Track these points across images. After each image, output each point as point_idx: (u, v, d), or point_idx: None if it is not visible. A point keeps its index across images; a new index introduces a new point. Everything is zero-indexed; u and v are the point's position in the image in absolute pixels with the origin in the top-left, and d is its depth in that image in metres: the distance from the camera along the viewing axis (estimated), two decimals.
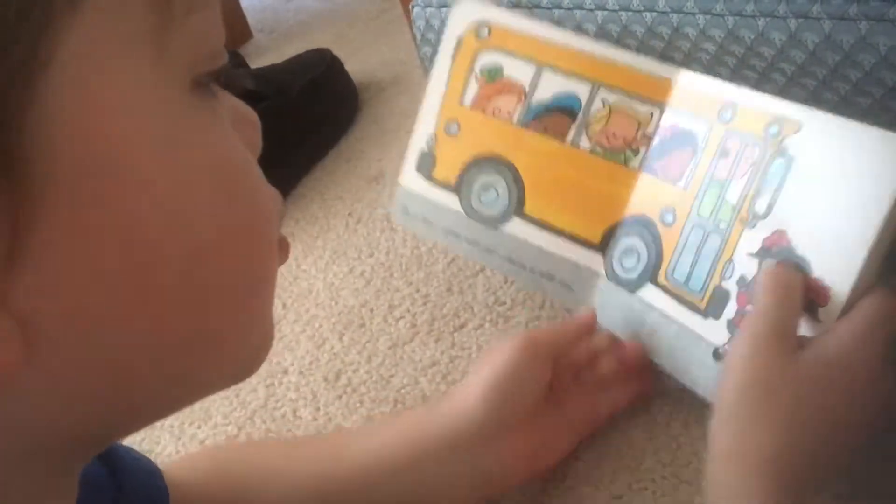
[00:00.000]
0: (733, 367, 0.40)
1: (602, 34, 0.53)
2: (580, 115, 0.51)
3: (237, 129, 0.25)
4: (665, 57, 0.52)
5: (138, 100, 0.21)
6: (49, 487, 0.25)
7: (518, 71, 0.52)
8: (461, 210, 0.56)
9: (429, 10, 0.63)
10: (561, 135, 0.52)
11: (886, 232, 0.39)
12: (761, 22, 0.46)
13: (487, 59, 0.53)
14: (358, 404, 0.58)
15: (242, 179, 0.25)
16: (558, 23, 0.55)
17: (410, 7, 0.65)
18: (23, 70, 0.18)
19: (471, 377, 0.47)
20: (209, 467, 0.44)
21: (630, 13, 0.51)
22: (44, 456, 0.24)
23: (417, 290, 0.66)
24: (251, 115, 0.27)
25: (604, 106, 0.50)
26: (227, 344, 0.26)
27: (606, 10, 0.52)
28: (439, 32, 0.62)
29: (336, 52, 1.00)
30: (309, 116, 0.89)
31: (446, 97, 0.55)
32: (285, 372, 0.62)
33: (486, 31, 0.53)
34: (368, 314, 0.65)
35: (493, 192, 0.55)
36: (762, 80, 0.49)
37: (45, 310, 0.20)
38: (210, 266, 0.24)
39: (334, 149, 0.91)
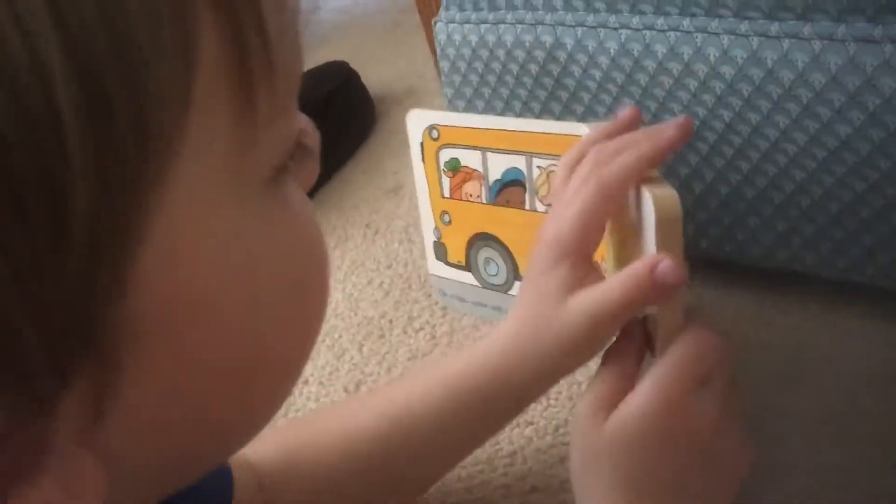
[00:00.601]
0: (571, 439, 0.40)
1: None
2: (526, 183, 0.57)
3: (299, 166, 0.25)
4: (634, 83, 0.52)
5: (222, 229, 0.20)
6: None
7: (470, 158, 0.59)
8: (477, 284, 0.63)
9: (451, 25, 0.63)
10: (520, 203, 0.58)
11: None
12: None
13: (445, 154, 0.60)
14: None
15: (313, 269, 0.25)
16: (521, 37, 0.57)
17: (433, 22, 0.66)
18: (124, 244, 0.17)
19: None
20: (280, 465, 0.44)
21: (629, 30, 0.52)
22: None
23: (436, 302, 0.67)
24: (313, 148, 0.27)
25: (541, 171, 0.56)
26: (262, 417, 0.26)
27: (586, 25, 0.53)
28: (459, 48, 0.63)
29: (352, 64, 1.01)
30: (327, 128, 0.89)
31: (431, 193, 0.63)
32: (305, 382, 0.63)
33: (436, 132, 0.60)
34: (388, 325, 0.66)
35: (493, 265, 0.62)
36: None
37: (128, 441, 0.20)
38: (270, 359, 0.24)
39: (351, 160, 0.92)
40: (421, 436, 0.43)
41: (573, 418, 0.40)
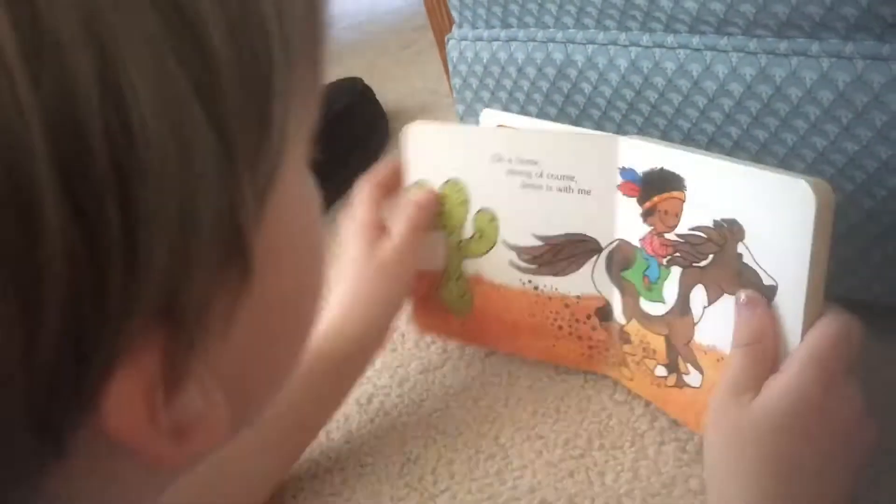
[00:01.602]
0: (708, 421, 0.41)
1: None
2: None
3: None
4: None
5: (300, 192, 0.25)
6: None
7: None
8: None
9: (463, 42, 0.64)
10: None
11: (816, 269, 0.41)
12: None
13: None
14: (390, 428, 0.58)
15: (323, 238, 0.28)
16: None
17: (446, 39, 0.67)
18: (265, 192, 0.21)
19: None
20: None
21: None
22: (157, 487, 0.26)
23: None
24: None
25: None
26: (292, 370, 0.28)
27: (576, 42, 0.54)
28: (472, 64, 0.64)
29: (366, 81, 1.02)
30: (341, 143, 0.90)
31: None
32: None
33: None
34: (400, 339, 0.66)
35: None
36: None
37: (234, 364, 0.23)
38: (311, 307, 0.27)
39: (364, 175, 0.93)
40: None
41: (711, 405, 0.41)
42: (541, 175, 0.54)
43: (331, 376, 0.53)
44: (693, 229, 0.47)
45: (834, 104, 0.46)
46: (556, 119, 0.61)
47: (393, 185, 0.60)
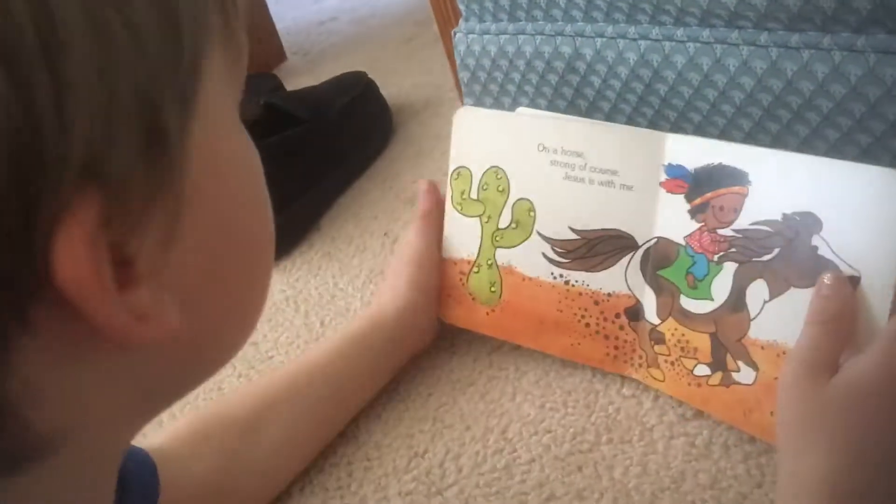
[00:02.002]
0: (781, 398, 0.42)
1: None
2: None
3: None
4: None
5: (231, 122, 0.28)
6: (121, 446, 0.30)
7: None
8: None
9: (470, 36, 0.64)
10: None
11: None
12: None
13: None
14: (397, 422, 0.58)
15: (261, 181, 0.31)
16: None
17: (452, 33, 0.66)
18: (185, 103, 0.24)
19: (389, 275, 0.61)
20: (192, 436, 0.51)
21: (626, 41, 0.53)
22: (134, 409, 0.29)
23: None
24: None
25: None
26: (254, 310, 0.32)
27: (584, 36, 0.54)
28: (479, 58, 0.64)
29: (369, 74, 1.02)
30: (345, 137, 0.90)
31: None
32: None
33: None
34: None
35: None
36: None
37: (181, 281, 0.25)
38: (253, 241, 0.30)
39: (369, 170, 0.93)
40: (322, 376, 0.56)
41: (783, 382, 0.42)
42: (584, 167, 0.54)
43: (364, 358, 0.57)
44: (755, 224, 0.47)
45: (846, 98, 0.46)
46: (565, 111, 0.61)
47: None
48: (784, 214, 0.45)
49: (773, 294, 0.46)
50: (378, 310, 0.59)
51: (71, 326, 0.22)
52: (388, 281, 0.61)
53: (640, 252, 0.53)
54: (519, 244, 0.58)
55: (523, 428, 0.55)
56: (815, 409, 0.39)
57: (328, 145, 0.87)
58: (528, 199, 0.57)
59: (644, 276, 0.53)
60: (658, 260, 0.52)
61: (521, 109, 0.62)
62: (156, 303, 0.23)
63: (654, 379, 0.54)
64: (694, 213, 0.50)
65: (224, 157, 0.27)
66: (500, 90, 0.64)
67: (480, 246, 0.60)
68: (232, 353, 0.32)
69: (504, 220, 0.59)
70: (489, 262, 0.60)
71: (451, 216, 0.62)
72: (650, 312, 0.53)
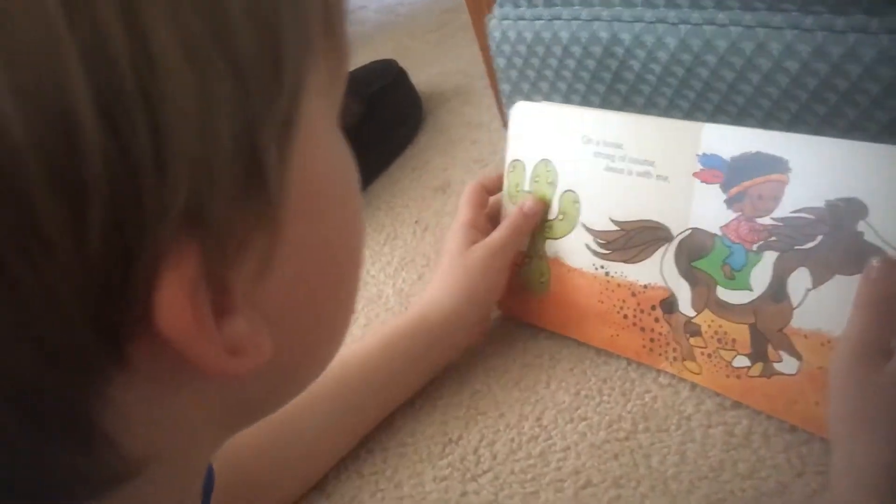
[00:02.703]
0: (834, 386, 0.41)
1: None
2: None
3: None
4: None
5: (330, 135, 0.27)
6: (207, 458, 0.31)
7: None
8: None
9: (505, 22, 0.64)
10: None
11: None
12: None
13: None
14: (431, 409, 0.58)
15: (358, 194, 0.31)
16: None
17: (486, 20, 0.66)
18: (285, 133, 0.23)
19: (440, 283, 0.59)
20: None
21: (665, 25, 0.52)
22: (223, 427, 0.29)
23: None
24: None
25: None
26: (344, 324, 0.31)
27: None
28: (515, 44, 0.63)
29: (398, 63, 1.02)
30: (376, 125, 0.90)
31: None
32: None
33: None
34: None
35: None
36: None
37: (274, 306, 0.25)
38: (348, 261, 0.30)
39: (400, 158, 0.93)
40: (362, 371, 0.55)
41: (836, 369, 0.42)
42: (623, 159, 0.54)
43: (410, 355, 0.57)
44: (797, 211, 0.46)
45: (895, 80, 0.45)
46: (604, 96, 0.60)
47: (497, 190, 0.64)
48: (827, 201, 0.45)
49: (817, 282, 0.45)
50: (426, 308, 0.58)
51: (165, 361, 0.22)
52: (441, 281, 0.59)
53: (674, 243, 0.52)
54: (565, 235, 0.58)
55: (558, 415, 0.55)
56: (872, 395, 0.39)
57: (358, 133, 0.87)
58: (574, 191, 0.58)
59: (679, 268, 0.53)
60: (692, 251, 0.52)
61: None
62: (252, 332, 0.23)
63: (690, 372, 0.53)
64: (731, 202, 0.49)
65: (322, 174, 0.26)
66: (537, 76, 0.63)
67: (532, 238, 0.60)
68: (323, 367, 0.31)
69: (552, 212, 0.59)
70: (539, 254, 0.60)
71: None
72: (685, 304, 0.53)
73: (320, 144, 0.26)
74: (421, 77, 1.04)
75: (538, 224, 0.60)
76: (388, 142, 0.92)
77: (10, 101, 0.17)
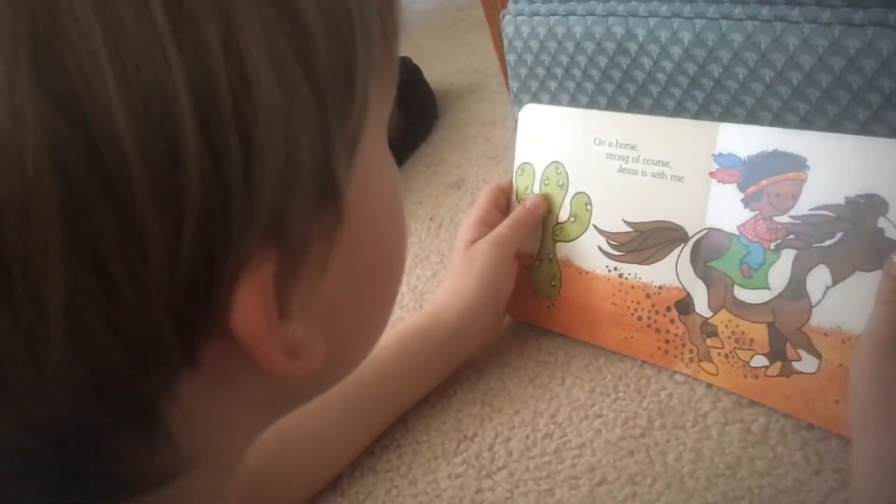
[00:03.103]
0: (855, 381, 0.41)
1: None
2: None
3: None
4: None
5: (381, 145, 0.29)
6: (246, 450, 0.32)
7: None
8: None
9: (519, 18, 0.63)
10: None
11: None
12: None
13: None
14: (446, 405, 0.58)
15: (402, 212, 0.32)
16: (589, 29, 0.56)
17: (501, 16, 0.66)
18: (353, 148, 0.24)
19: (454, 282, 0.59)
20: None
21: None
22: (264, 420, 0.30)
23: None
24: None
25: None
26: (383, 322, 0.32)
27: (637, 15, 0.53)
28: (527, 40, 0.63)
29: (412, 60, 1.02)
30: (392, 123, 0.90)
31: None
32: None
33: None
34: None
35: None
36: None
37: (324, 309, 0.26)
38: (393, 262, 0.31)
39: (414, 155, 0.93)
40: (376, 370, 0.55)
41: (858, 365, 0.42)
42: (637, 160, 0.54)
43: (424, 354, 0.57)
44: (815, 209, 0.46)
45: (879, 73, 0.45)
46: (612, 96, 0.60)
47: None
48: (847, 198, 0.44)
49: (837, 279, 0.45)
50: (440, 308, 0.58)
51: (230, 362, 0.23)
52: (451, 279, 0.59)
53: (690, 244, 0.52)
54: (576, 238, 0.58)
55: (573, 412, 0.55)
56: (895, 391, 0.39)
57: None
58: (586, 193, 0.57)
59: (695, 268, 0.52)
60: (709, 251, 0.51)
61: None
62: (309, 337, 0.24)
63: (707, 373, 0.53)
64: (748, 201, 0.49)
65: (374, 182, 0.27)
66: (546, 73, 0.63)
67: (542, 240, 0.60)
68: (360, 362, 0.33)
69: (563, 215, 0.59)
70: (549, 257, 0.60)
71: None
72: (701, 305, 0.52)
73: (375, 156, 0.27)
74: (435, 74, 1.04)
75: (543, 221, 0.60)
76: (403, 139, 0.92)
77: (123, 116, 0.18)
